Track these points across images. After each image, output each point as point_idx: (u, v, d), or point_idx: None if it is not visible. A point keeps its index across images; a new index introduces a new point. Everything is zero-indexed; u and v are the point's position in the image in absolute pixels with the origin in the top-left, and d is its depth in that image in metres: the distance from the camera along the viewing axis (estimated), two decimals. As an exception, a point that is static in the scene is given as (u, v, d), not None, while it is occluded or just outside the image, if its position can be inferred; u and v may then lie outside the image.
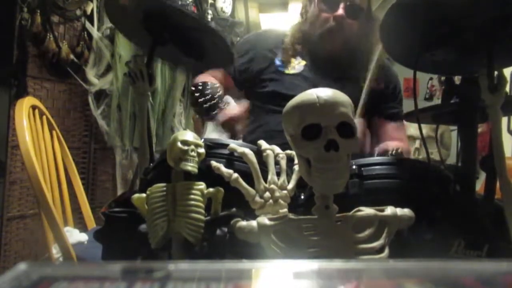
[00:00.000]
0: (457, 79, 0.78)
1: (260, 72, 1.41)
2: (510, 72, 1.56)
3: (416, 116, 0.79)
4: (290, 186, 0.70)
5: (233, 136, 1.27)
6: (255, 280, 0.34)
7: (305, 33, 1.40)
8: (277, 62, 1.40)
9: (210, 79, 1.34)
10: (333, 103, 0.53)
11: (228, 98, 1.28)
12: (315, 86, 0.60)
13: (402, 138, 1.40)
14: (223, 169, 0.69)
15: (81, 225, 1.70)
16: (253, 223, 0.55)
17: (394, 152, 1.10)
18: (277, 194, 0.69)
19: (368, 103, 1.39)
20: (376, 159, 0.77)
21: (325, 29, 1.33)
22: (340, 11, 1.31)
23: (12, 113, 1.96)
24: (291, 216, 0.56)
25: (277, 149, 0.74)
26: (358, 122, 1.13)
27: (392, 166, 0.73)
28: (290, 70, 1.38)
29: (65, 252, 1.23)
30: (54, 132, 1.59)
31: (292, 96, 0.58)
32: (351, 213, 0.56)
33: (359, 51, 1.36)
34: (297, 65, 1.39)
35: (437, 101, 4.05)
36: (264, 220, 0.55)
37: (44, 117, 1.52)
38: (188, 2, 2.84)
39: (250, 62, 1.42)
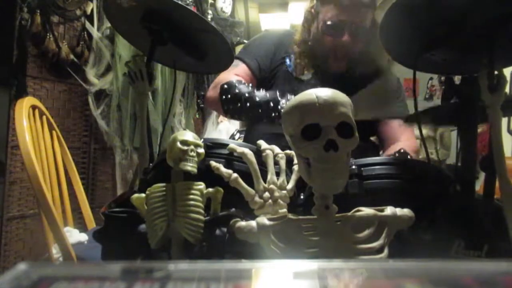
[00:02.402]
0: (457, 79, 0.78)
1: (272, 70, 1.41)
2: (510, 72, 1.56)
3: (416, 116, 0.79)
4: (290, 186, 0.70)
5: None
6: (255, 280, 0.34)
7: (310, 47, 1.39)
8: (288, 62, 1.40)
9: (236, 77, 1.33)
10: (332, 103, 0.53)
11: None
12: None
13: (409, 136, 1.39)
14: (223, 169, 0.69)
15: (81, 225, 1.70)
16: (253, 223, 0.55)
17: (397, 154, 1.10)
18: (276, 194, 0.69)
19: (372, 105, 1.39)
20: (376, 159, 0.77)
21: (330, 52, 1.32)
22: (345, 36, 1.28)
23: (12, 113, 1.96)
24: (291, 216, 0.56)
25: (277, 149, 0.74)
26: None
27: (392, 166, 0.73)
28: (298, 75, 1.38)
29: (65, 252, 1.23)
30: (54, 132, 1.59)
31: None
32: (350, 213, 0.56)
33: (364, 63, 1.35)
34: (306, 71, 1.38)
35: (437, 101, 4.05)
36: (264, 220, 0.55)
37: (44, 117, 1.52)
38: (188, 2, 2.84)
39: (267, 59, 1.42)
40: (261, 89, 1.26)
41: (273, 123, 1.14)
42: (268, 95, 1.21)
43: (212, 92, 1.38)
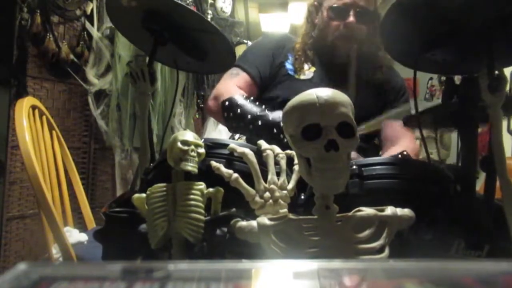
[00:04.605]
0: (457, 79, 0.78)
1: (273, 76, 1.41)
2: (510, 72, 1.55)
3: (417, 118, 0.79)
4: (290, 186, 0.70)
5: None
6: (255, 280, 0.34)
7: (315, 40, 1.40)
8: (288, 65, 1.40)
9: (238, 91, 1.32)
10: (333, 103, 0.53)
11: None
12: None
13: (409, 138, 1.39)
14: (223, 169, 0.69)
15: (81, 225, 1.70)
16: (253, 223, 0.55)
17: (400, 156, 1.10)
18: (277, 194, 0.69)
19: (376, 105, 1.39)
20: (376, 159, 0.77)
21: (336, 36, 1.33)
22: (351, 18, 1.30)
23: (12, 113, 1.96)
24: (291, 216, 0.56)
25: (277, 149, 0.74)
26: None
27: (393, 166, 0.73)
28: (300, 76, 1.37)
29: (65, 252, 1.23)
30: (54, 132, 1.59)
31: None
32: (351, 213, 0.56)
33: (369, 54, 1.36)
34: (307, 71, 1.38)
35: (437, 101, 4.04)
36: (264, 220, 0.55)
37: (44, 117, 1.52)
38: (188, 2, 2.84)
39: (266, 65, 1.41)
40: (264, 106, 1.23)
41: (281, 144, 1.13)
42: (271, 116, 1.17)
43: (213, 102, 1.38)
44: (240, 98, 1.26)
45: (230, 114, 1.24)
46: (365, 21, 1.32)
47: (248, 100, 1.25)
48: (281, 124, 1.12)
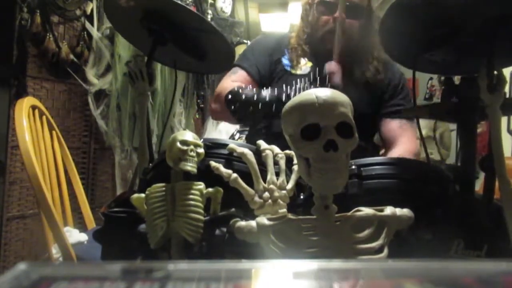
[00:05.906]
0: (457, 79, 0.78)
1: (271, 72, 1.41)
2: (509, 72, 1.56)
3: (416, 116, 0.79)
4: (289, 186, 0.70)
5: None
6: (255, 280, 0.34)
7: (308, 35, 1.40)
8: (284, 61, 1.41)
9: (236, 83, 1.33)
10: (332, 103, 0.53)
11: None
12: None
13: (410, 138, 1.38)
14: (222, 169, 0.69)
15: (81, 225, 1.70)
16: (252, 223, 0.55)
17: None
18: (276, 194, 0.69)
19: (373, 102, 1.39)
20: (375, 159, 0.77)
21: (325, 31, 1.33)
22: (338, 13, 1.29)
23: (12, 113, 1.95)
24: (290, 216, 0.56)
25: (276, 149, 0.74)
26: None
27: (392, 166, 0.74)
28: (297, 71, 1.38)
29: (65, 252, 1.23)
30: (54, 132, 1.59)
31: None
32: (350, 213, 0.56)
33: (362, 49, 1.36)
34: (304, 66, 1.39)
35: (436, 101, 4.04)
36: (263, 220, 0.55)
37: (44, 117, 1.52)
38: (188, 2, 2.84)
39: (265, 64, 1.42)
40: (264, 88, 1.26)
41: None
42: (275, 91, 1.20)
43: (216, 104, 1.38)
44: (240, 87, 1.26)
45: (236, 104, 1.24)
46: (355, 16, 1.31)
47: (248, 88, 1.27)
48: (291, 95, 1.14)
